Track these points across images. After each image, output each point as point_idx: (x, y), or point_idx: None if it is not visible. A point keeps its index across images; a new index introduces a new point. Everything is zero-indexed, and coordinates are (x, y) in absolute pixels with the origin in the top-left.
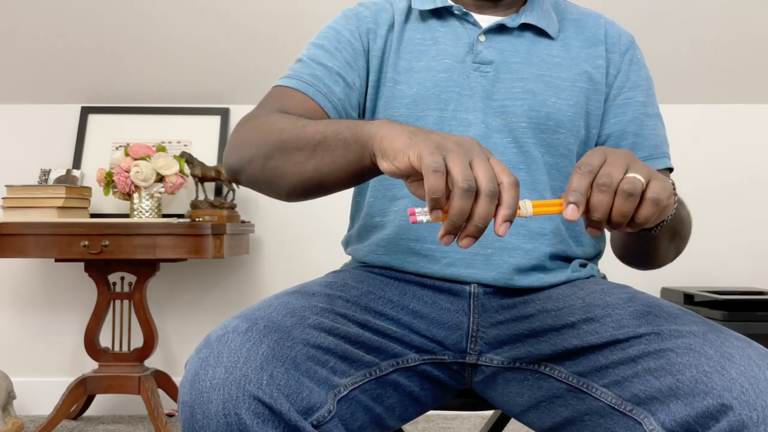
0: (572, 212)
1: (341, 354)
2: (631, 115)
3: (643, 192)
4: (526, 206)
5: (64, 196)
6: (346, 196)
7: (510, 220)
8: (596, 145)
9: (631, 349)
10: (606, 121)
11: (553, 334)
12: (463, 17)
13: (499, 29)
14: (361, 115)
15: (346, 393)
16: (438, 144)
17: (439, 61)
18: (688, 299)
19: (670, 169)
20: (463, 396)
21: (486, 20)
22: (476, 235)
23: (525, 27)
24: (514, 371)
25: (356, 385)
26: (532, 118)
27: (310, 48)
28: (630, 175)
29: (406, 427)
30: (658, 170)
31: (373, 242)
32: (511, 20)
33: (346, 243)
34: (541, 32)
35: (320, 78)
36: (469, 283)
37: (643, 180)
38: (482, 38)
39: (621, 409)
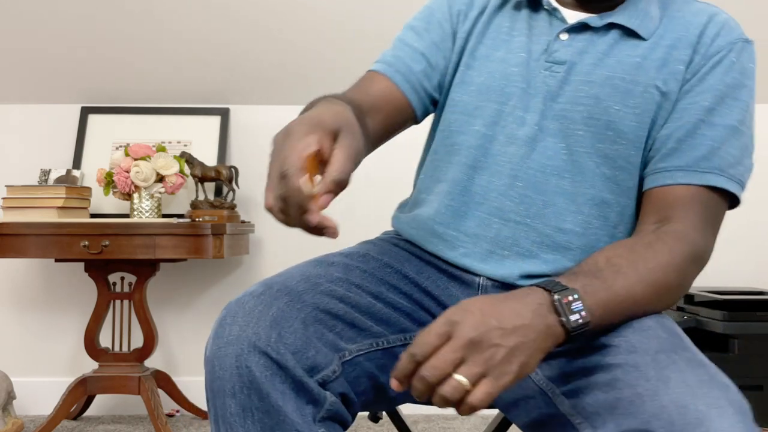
0: (396, 386)
1: (349, 321)
2: (686, 119)
3: (469, 391)
4: None
5: (64, 196)
6: (345, 197)
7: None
8: (650, 151)
9: (590, 360)
10: (663, 126)
11: None
12: (552, 13)
13: (582, 28)
14: (444, 96)
15: (351, 358)
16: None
17: (516, 54)
18: (688, 299)
19: (733, 197)
20: None
21: (576, 17)
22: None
23: (612, 26)
24: None
25: (362, 352)
26: (591, 126)
27: (403, 29)
28: (455, 378)
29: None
30: (699, 186)
31: (411, 215)
32: (598, 19)
33: (397, 211)
34: (630, 32)
35: (401, 58)
36: (479, 276)
37: (467, 384)
38: (564, 36)
39: (572, 420)
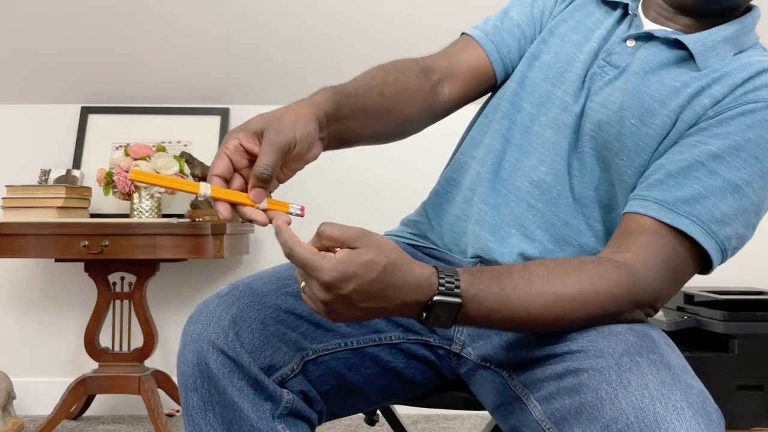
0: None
1: (315, 321)
2: (685, 156)
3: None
4: None
5: (64, 196)
6: (342, 198)
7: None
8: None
9: (560, 365)
10: (663, 154)
11: (515, 340)
12: (633, 19)
13: (648, 38)
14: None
15: (314, 357)
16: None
17: (590, 43)
18: (688, 299)
19: (707, 257)
20: (463, 391)
21: (650, 27)
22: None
23: (677, 44)
24: (485, 370)
25: (327, 352)
26: (604, 131)
27: (510, 0)
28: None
29: (406, 426)
30: (669, 227)
31: (442, 177)
32: (665, 32)
33: None
34: (691, 56)
35: (499, 29)
36: (477, 260)
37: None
38: (630, 43)
39: (543, 426)
